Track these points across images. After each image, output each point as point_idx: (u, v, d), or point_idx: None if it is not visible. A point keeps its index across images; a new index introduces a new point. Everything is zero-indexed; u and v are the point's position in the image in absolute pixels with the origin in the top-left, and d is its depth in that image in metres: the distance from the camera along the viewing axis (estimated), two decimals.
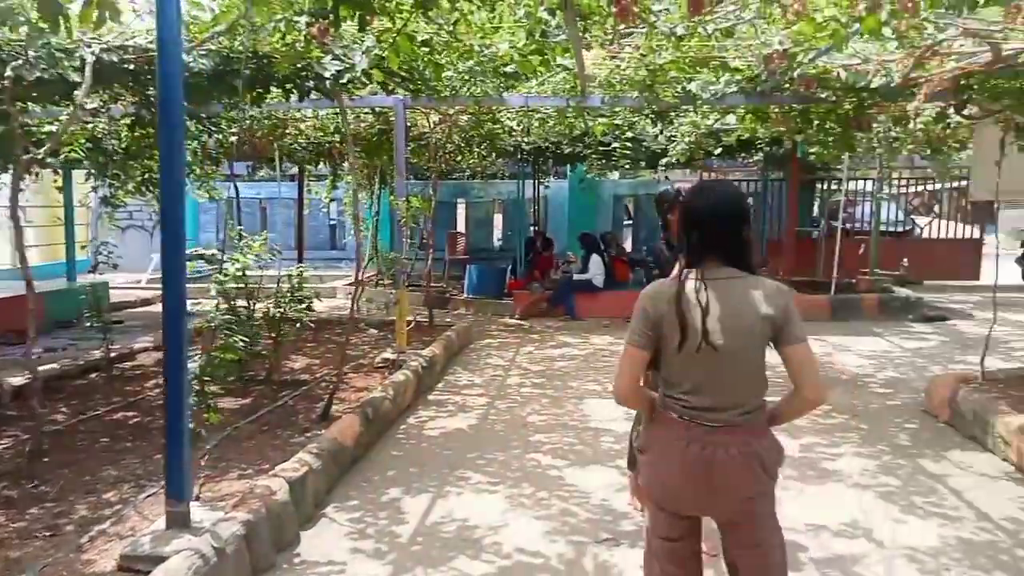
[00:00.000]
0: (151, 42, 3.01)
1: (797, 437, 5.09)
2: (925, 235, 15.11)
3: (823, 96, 5.11)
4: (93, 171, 6.72)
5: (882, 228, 12.92)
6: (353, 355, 6.96)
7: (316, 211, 12.38)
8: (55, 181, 8.77)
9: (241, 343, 4.03)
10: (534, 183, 13.95)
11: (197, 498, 3.46)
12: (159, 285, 2.95)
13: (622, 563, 3.32)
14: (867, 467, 4.52)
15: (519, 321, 10.08)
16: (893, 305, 10.05)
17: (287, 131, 8.00)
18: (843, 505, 3.96)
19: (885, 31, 2.89)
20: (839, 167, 11.19)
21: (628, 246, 14.82)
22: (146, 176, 6.90)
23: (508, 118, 7.60)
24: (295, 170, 11.40)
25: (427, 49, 3.91)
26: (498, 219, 17.11)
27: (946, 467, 4.52)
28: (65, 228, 10.25)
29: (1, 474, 3.93)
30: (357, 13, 2.65)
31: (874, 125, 6.39)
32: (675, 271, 2.24)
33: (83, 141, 6.16)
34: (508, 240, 15.47)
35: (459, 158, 9.95)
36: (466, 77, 4.83)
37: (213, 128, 6.28)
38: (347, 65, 3.46)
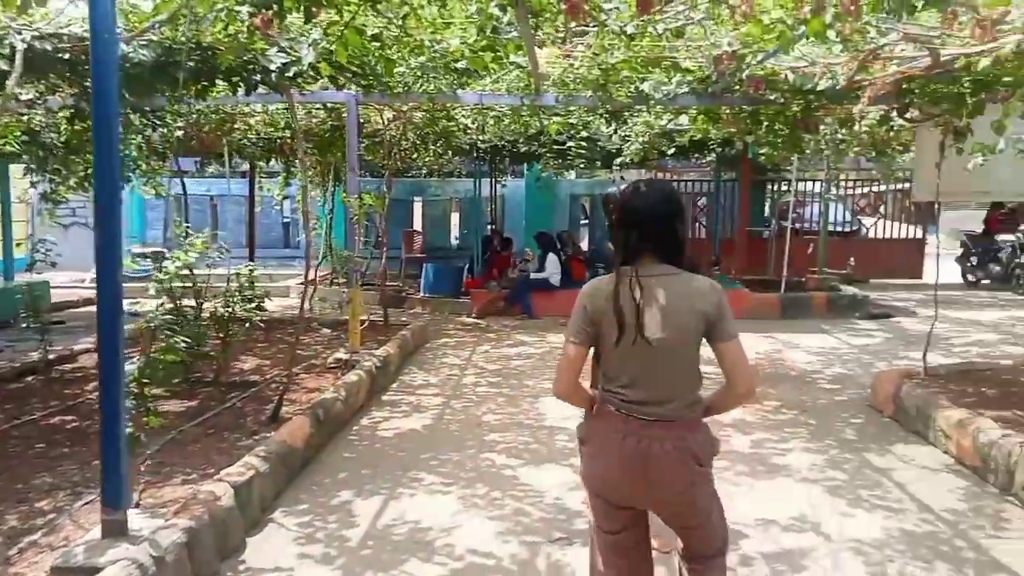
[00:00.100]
0: (87, 30, 2.88)
1: (748, 433, 5.17)
2: (871, 235, 15.52)
3: (772, 98, 5.20)
4: (32, 166, 6.45)
5: (830, 228, 13.24)
6: (305, 355, 6.84)
7: (268, 209, 12.13)
8: None
9: (184, 344, 3.90)
10: (491, 182, 13.91)
11: (137, 505, 3.34)
12: None
13: (575, 562, 3.31)
14: (815, 462, 4.60)
15: (476, 320, 10.03)
16: (840, 303, 10.30)
17: (235, 126, 7.80)
18: (792, 500, 4.02)
19: (830, 34, 2.94)
20: (789, 168, 11.42)
21: (584, 245, 14.88)
22: (88, 171, 6.64)
23: (463, 116, 7.54)
24: (246, 166, 11.15)
25: (378, 44, 3.83)
26: (455, 218, 17.02)
27: (891, 461, 4.63)
28: (2, 225, 9.84)
29: None
30: (303, 4, 2.58)
31: (821, 127, 6.53)
32: None
33: (19, 134, 5.90)
34: (465, 239, 15.40)
35: (415, 156, 9.85)
36: (418, 73, 4.77)
37: (158, 122, 6.08)
38: (293, 58, 3.37)
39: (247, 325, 5.84)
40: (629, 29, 3.45)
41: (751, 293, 10.37)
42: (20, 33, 3.21)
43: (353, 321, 6.57)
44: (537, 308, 10.10)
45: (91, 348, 6.95)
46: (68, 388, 5.75)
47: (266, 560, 3.37)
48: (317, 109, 7.37)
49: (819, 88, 4.49)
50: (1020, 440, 4.05)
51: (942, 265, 6.47)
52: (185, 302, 5.61)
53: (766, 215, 14.67)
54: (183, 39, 3.28)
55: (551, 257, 10.38)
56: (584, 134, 7.24)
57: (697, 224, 15.83)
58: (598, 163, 10.93)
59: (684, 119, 7.32)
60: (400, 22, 3.49)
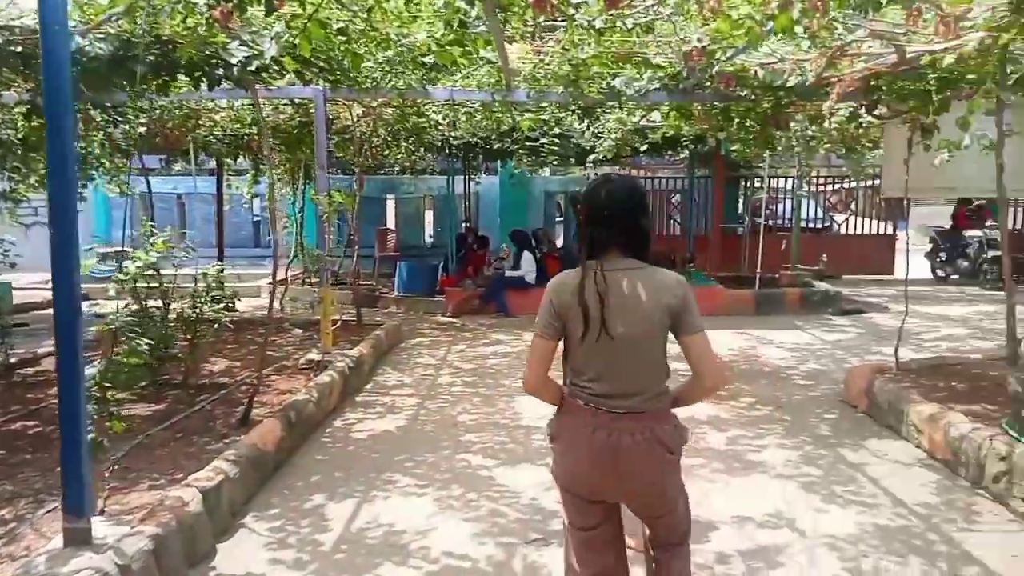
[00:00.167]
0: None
1: (723, 430, 5.17)
2: (843, 231, 15.71)
3: (742, 94, 5.21)
4: None
5: (802, 225, 13.38)
6: (277, 356, 6.73)
7: (238, 207, 11.92)
8: None
9: (147, 346, 3.79)
10: (465, 179, 13.83)
11: (101, 512, 3.24)
12: None
13: (552, 563, 3.27)
14: (790, 458, 4.62)
15: (451, 319, 9.96)
16: (813, 299, 10.40)
17: (201, 122, 7.63)
18: (767, 496, 4.02)
19: (797, 30, 2.94)
20: (761, 165, 11.50)
21: (560, 242, 14.88)
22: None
23: (434, 112, 7.47)
24: (214, 164, 10.94)
25: (344, 38, 3.75)
26: (429, 215, 16.91)
27: (864, 456, 4.66)
28: None
29: None
30: None
31: (792, 124, 6.57)
32: None
33: None
34: (440, 237, 15.30)
35: (386, 152, 9.73)
36: (386, 68, 4.70)
37: (119, 118, 5.91)
38: (255, 52, 3.28)
39: (215, 326, 5.72)
40: (598, 24, 3.42)
41: (725, 290, 10.44)
42: None
43: (325, 321, 6.47)
44: (513, 306, 10.06)
45: (54, 351, 6.77)
46: (31, 392, 5.59)
47: (236, 566, 3.29)
48: (284, 105, 7.23)
49: (789, 85, 4.51)
50: (990, 434, 4.09)
51: (912, 261, 6.54)
52: (152, 303, 5.50)
53: (740, 212, 14.78)
54: (141, 32, 3.18)
55: (526, 255, 10.35)
56: (557, 131, 7.21)
57: (671, 221, 15.91)
58: (572, 160, 10.90)
59: (656, 116, 7.32)
60: (365, 15, 3.42)
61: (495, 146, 9.51)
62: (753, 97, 5.19)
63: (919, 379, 5.62)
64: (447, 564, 3.32)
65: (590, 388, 2.15)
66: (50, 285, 2.59)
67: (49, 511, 3.34)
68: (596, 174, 11.55)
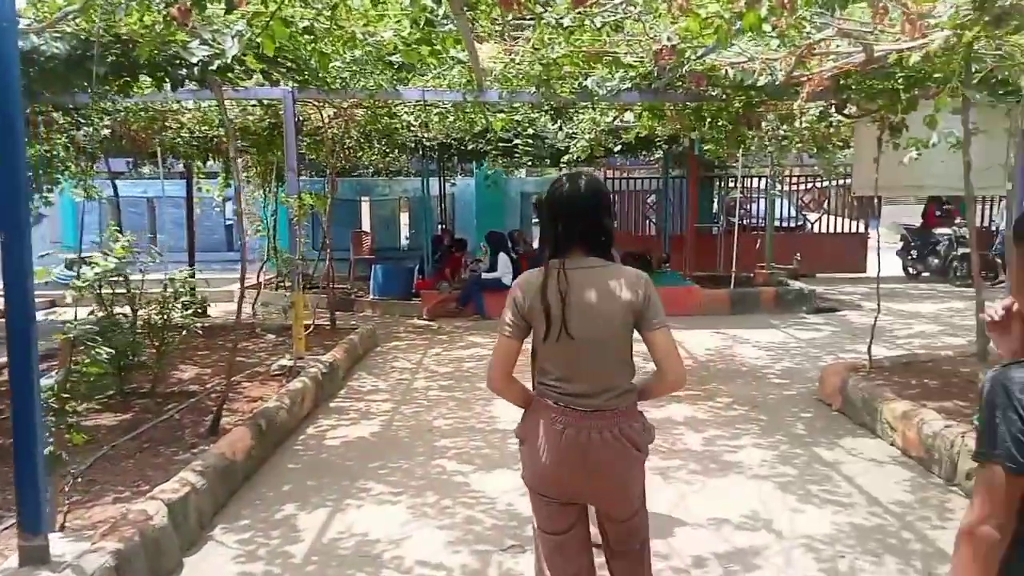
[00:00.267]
0: None
1: (700, 431, 5.16)
2: (816, 230, 15.86)
3: (714, 94, 5.21)
4: None
5: (776, 224, 13.48)
6: (248, 363, 6.61)
7: (209, 210, 11.72)
8: None
9: (113, 354, 3.67)
10: (440, 180, 13.75)
11: (62, 528, 3.13)
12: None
13: (528, 570, 3.21)
14: (766, 458, 4.61)
15: (428, 322, 9.88)
16: (788, 298, 10.46)
17: (167, 124, 7.48)
18: (744, 497, 4.01)
19: (765, 28, 2.92)
20: (735, 165, 11.57)
21: (536, 244, 14.85)
22: None
23: (406, 112, 7.39)
24: (183, 167, 10.76)
25: (310, 37, 3.68)
26: (404, 217, 16.79)
27: (839, 454, 4.67)
28: None
29: None
30: None
31: (763, 123, 6.59)
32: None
33: None
34: (416, 239, 15.19)
35: (359, 154, 9.62)
36: (355, 68, 4.62)
37: (82, 120, 5.76)
38: (217, 51, 3.19)
39: (184, 332, 5.60)
40: (566, 22, 3.39)
41: (701, 289, 10.47)
42: None
43: (297, 326, 6.37)
44: (490, 308, 10.00)
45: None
46: None
47: None
48: (253, 106, 7.12)
49: (759, 84, 4.51)
50: (962, 431, 4.12)
51: (884, 258, 6.59)
52: (118, 310, 5.37)
53: (714, 212, 14.86)
54: (98, 31, 3.07)
55: (502, 256, 10.29)
56: (531, 131, 7.18)
57: (647, 221, 15.95)
58: (547, 161, 10.87)
59: (629, 116, 7.31)
60: (329, 13, 3.35)
61: (469, 147, 9.45)
62: (724, 96, 5.20)
63: (892, 376, 5.66)
64: (421, 574, 3.26)
65: (559, 387, 2.15)
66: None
67: (6, 528, 3.22)
68: None
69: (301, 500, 4.08)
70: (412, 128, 7.88)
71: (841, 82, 5.00)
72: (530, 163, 9.75)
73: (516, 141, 7.22)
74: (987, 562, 1.31)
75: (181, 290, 5.50)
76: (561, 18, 3.37)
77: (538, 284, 2.14)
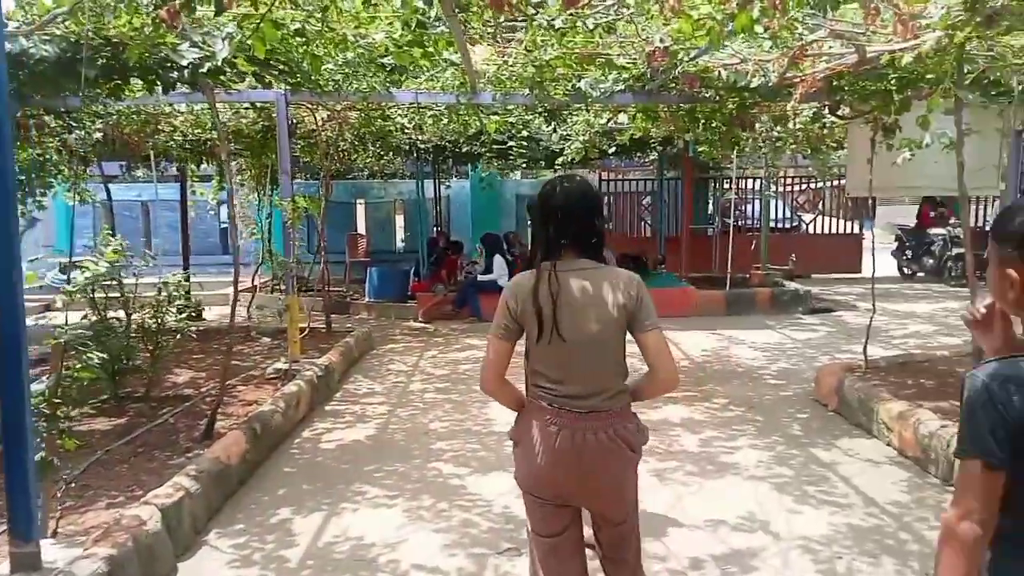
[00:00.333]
0: None
1: (697, 432, 5.16)
2: (811, 231, 15.89)
3: (707, 95, 5.21)
4: None
5: (771, 225, 13.48)
6: (244, 366, 6.59)
7: (204, 214, 11.69)
8: None
9: (107, 358, 3.65)
10: (435, 183, 13.73)
11: (54, 534, 3.11)
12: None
13: (524, 574, 3.20)
14: (762, 459, 4.61)
15: (424, 324, 9.87)
16: (784, 298, 10.47)
17: (160, 128, 7.45)
18: (740, 498, 4.00)
19: (757, 29, 2.92)
20: (730, 166, 11.58)
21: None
22: None
23: (400, 115, 7.37)
24: (177, 170, 10.71)
25: (302, 39, 3.66)
26: (400, 220, 16.77)
27: (836, 455, 4.67)
28: None
29: None
30: None
31: (757, 125, 6.59)
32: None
33: None
34: (411, 241, 15.17)
35: (354, 156, 9.60)
36: (347, 70, 4.61)
37: (74, 124, 5.73)
38: (207, 53, 3.17)
39: (178, 336, 5.58)
40: (558, 23, 3.38)
41: (697, 291, 10.47)
42: None
43: (292, 329, 6.35)
44: (486, 310, 9.97)
45: None
46: None
47: None
48: (246, 109, 7.10)
49: (752, 85, 4.51)
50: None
51: (879, 259, 6.59)
52: (112, 314, 5.35)
53: (710, 213, 14.87)
54: (87, 33, 3.05)
55: (498, 258, 10.28)
56: (525, 133, 7.17)
57: (642, 223, 15.96)
58: (542, 163, 10.86)
59: (623, 117, 7.31)
60: (320, 15, 3.33)
61: (464, 149, 9.44)
62: (718, 98, 5.20)
63: (888, 377, 5.66)
64: None
65: (552, 389, 2.15)
66: None
67: None
68: None
69: (296, 504, 4.06)
70: (406, 130, 7.87)
71: (834, 83, 5.00)
72: (524, 165, 9.74)
73: (510, 143, 7.21)
74: (970, 558, 1.32)
75: (175, 294, 5.47)
76: (553, 19, 3.36)
77: (530, 286, 2.14)
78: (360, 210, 15.99)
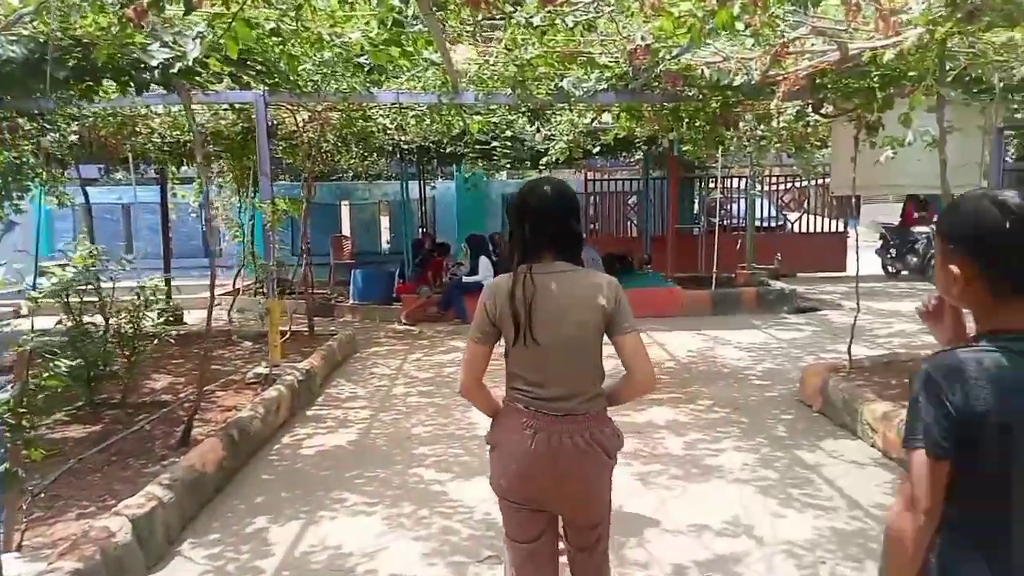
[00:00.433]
0: None
1: (681, 434, 5.12)
2: (796, 230, 15.92)
3: (690, 94, 5.18)
4: None
5: (757, 224, 13.48)
6: (224, 371, 6.49)
7: (186, 216, 11.54)
8: None
9: (75, 365, 3.56)
10: (420, 184, 13.65)
11: (19, 548, 3.02)
12: None
13: None
14: (747, 461, 4.57)
15: (409, 327, 9.79)
16: (769, 298, 10.47)
17: (138, 129, 7.33)
18: (725, 502, 3.96)
19: (738, 26, 2.88)
20: (715, 165, 11.58)
21: None
22: None
23: (382, 115, 7.30)
24: (157, 172, 10.57)
25: (278, 39, 3.59)
26: (385, 221, 16.67)
27: (820, 456, 4.63)
28: None
29: None
30: None
31: (741, 123, 6.56)
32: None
33: None
34: (397, 243, 15.08)
35: (337, 158, 9.50)
36: (325, 70, 4.54)
37: (48, 126, 5.62)
38: (178, 53, 3.09)
39: (156, 341, 5.48)
40: (536, 21, 3.33)
41: (683, 290, 10.45)
42: None
43: (272, 333, 6.25)
44: (471, 312, 9.87)
45: None
46: None
47: None
48: (225, 110, 7.00)
49: (735, 84, 4.48)
50: None
51: (863, 257, 6.58)
52: (88, 319, 5.24)
53: (695, 212, 14.87)
54: (54, 33, 2.96)
55: (483, 260, 10.21)
56: (509, 133, 7.11)
57: (628, 222, 15.94)
58: (527, 163, 10.81)
59: (607, 117, 7.27)
60: (294, 14, 3.26)
61: (448, 150, 9.37)
62: (701, 97, 5.16)
63: (872, 376, 5.64)
64: None
65: (529, 392, 2.15)
66: None
67: None
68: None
69: (274, 512, 3.98)
70: (388, 131, 7.79)
71: (817, 81, 4.97)
72: (509, 165, 9.69)
73: (494, 143, 7.16)
74: (914, 547, 1.34)
75: (152, 298, 5.37)
76: (531, 17, 3.31)
77: (507, 289, 2.13)
78: (345, 212, 15.88)
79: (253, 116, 6.00)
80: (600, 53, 4.39)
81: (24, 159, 6.77)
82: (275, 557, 3.48)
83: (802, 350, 7.78)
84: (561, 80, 4.98)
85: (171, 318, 7.93)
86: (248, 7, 2.85)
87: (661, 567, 3.27)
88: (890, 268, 13.90)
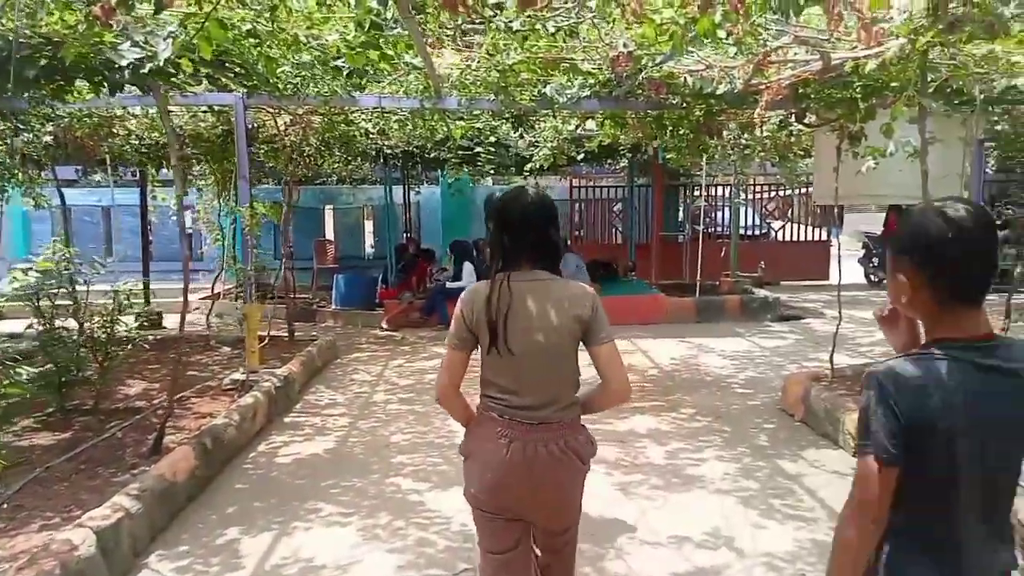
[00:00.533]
0: None
1: (663, 443, 5.07)
2: (780, 238, 15.98)
3: (674, 102, 5.16)
4: None
5: (741, 232, 13.51)
6: (201, 377, 6.38)
7: (166, 219, 11.42)
8: None
9: (30, 374, 3.46)
10: (404, 188, 13.58)
11: None
12: None
13: None
14: (728, 471, 4.53)
15: (391, 332, 9.70)
16: (753, 306, 10.47)
17: (115, 131, 7.21)
18: (706, 513, 3.92)
19: (720, 34, 2.86)
20: (700, 173, 11.59)
21: None
22: None
23: (364, 120, 7.23)
24: (137, 174, 10.43)
25: (255, 40, 3.52)
26: (369, 226, 16.57)
27: (802, 466, 4.61)
28: None
29: None
30: None
31: (724, 132, 6.55)
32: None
33: None
34: (381, 247, 14.99)
35: (320, 162, 9.42)
36: (304, 73, 4.47)
37: (21, 126, 5.51)
38: (149, 53, 3.01)
39: (130, 346, 5.37)
40: (516, 26, 3.29)
41: (667, 298, 10.44)
42: None
43: (250, 338, 6.16)
44: None
45: None
46: None
47: None
48: (204, 112, 6.90)
49: (718, 92, 4.46)
50: None
51: (846, 266, 6.58)
52: (62, 323, 5.13)
53: (680, 220, 14.89)
54: (19, 30, 2.88)
55: (467, 265, 10.15)
56: (493, 139, 7.07)
57: (613, 229, 15.94)
58: (512, 169, 10.77)
59: (592, 124, 7.24)
60: (268, 15, 3.19)
61: (432, 155, 9.31)
62: (684, 105, 5.14)
63: (854, 386, 5.62)
64: None
65: (504, 400, 2.14)
66: None
67: None
68: (537, 183, 11.46)
69: (246, 523, 3.89)
70: (371, 135, 7.72)
71: (800, 91, 4.97)
72: (493, 171, 9.64)
73: (478, 149, 7.11)
74: (859, 551, 1.38)
75: (125, 302, 5.27)
76: (511, 21, 3.27)
77: (485, 296, 2.13)
78: (329, 216, 15.78)
79: (233, 119, 5.91)
80: (583, 60, 4.36)
81: (1, 160, 6.66)
82: (245, 570, 3.39)
83: (785, 358, 7.77)
84: (544, 86, 4.94)
85: (146, 323, 7.81)
86: (222, 7, 2.78)
87: None
88: (872, 277, 13.96)
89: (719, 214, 15.71)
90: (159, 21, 3.04)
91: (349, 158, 9.70)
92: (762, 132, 6.40)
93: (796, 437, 5.18)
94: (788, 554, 3.43)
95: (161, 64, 3.05)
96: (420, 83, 5.27)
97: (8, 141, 5.82)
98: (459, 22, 3.64)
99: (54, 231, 11.92)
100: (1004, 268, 6.95)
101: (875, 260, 13.88)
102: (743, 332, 9.31)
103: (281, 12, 3.26)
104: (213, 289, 10.01)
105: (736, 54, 4.20)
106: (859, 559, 1.38)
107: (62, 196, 7.62)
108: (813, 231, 15.40)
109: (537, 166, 7.32)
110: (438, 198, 15.44)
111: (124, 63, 3.03)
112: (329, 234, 15.42)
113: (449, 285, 10.23)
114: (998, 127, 6.71)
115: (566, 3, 3.42)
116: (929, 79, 4.18)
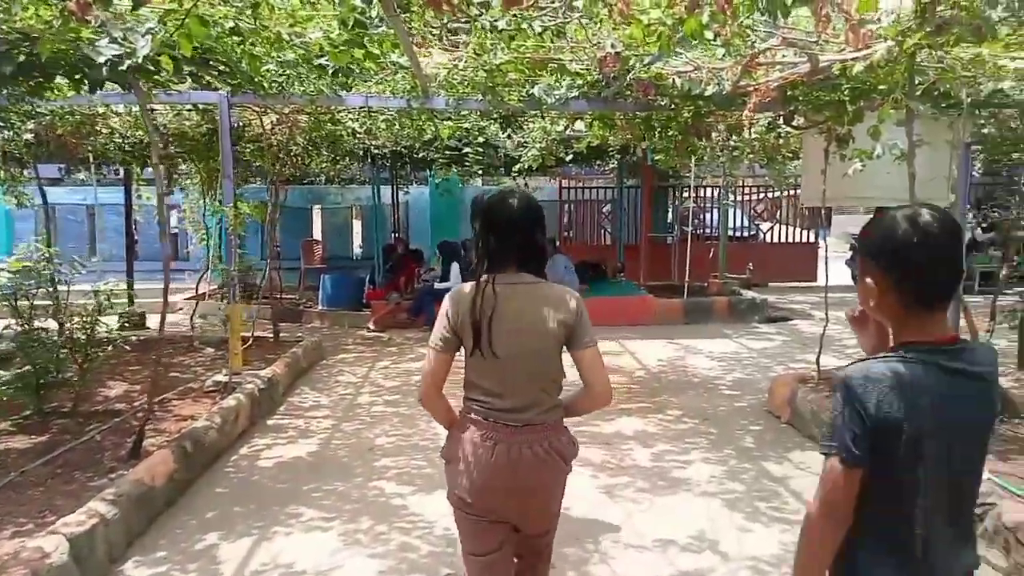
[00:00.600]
0: None
1: (649, 445, 5.05)
2: (768, 240, 16.02)
3: (662, 103, 5.14)
4: None
5: (729, 233, 13.53)
6: (183, 378, 6.30)
7: (152, 218, 11.30)
8: None
9: (13, 374, 3.39)
10: (392, 188, 13.52)
11: None
12: None
13: None
14: (715, 473, 4.51)
15: (378, 333, 9.64)
16: (741, 307, 10.49)
17: (98, 129, 7.11)
18: (692, 516, 3.89)
19: (708, 35, 2.83)
20: (688, 174, 11.59)
21: None
22: None
23: (352, 119, 7.17)
24: (121, 172, 10.31)
25: (239, 38, 3.46)
26: (357, 226, 16.48)
27: (788, 469, 4.59)
28: None
29: None
30: None
31: (713, 134, 6.54)
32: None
33: None
34: (369, 248, 14.91)
35: (308, 161, 9.34)
36: (289, 72, 4.41)
37: (1, 123, 5.41)
38: (127, 49, 2.95)
39: (111, 347, 5.29)
40: (501, 25, 3.25)
41: (656, 299, 10.43)
42: None
43: (233, 340, 6.08)
44: None
45: None
46: None
47: None
48: (189, 111, 6.82)
49: (706, 94, 4.44)
50: None
51: (834, 268, 6.57)
52: (39, 323, 5.05)
53: (669, 221, 14.91)
54: (0, 27, 2.81)
55: (455, 266, 10.10)
56: (481, 140, 7.03)
57: (602, 231, 15.94)
58: (501, 170, 10.72)
59: (580, 125, 7.22)
60: (250, 12, 3.14)
61: (420, 155, 9.26)
62: (673, 106, 5.12)
63: None
64: None
65: (487, 403, 2.14)
66: None
67: None
68: (526, 184, 11.42)
69: (226, 528, 3.83)
70: (358, 135, 7.65)
71: (788, 93, 4.95)
72: (481, 172, 9.61)
73: (466, 149, 7.07)
74: (823, 551, 1.40)
75: (106, 302, 5.19)
76: (496, 20, 3.23)
77: (469, 298, 2.12)
78: (316, 216, 15.68)
79: (217, 117, 5.83)
80: (571, 60, 4.33)
81: None
82: None
83: (772, 360, 7.77)
84: (532, 87, 4.91)
85: (127, 323, 7.72)
86: (202, 4, 2.73)
87: None
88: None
89: (708, 216, 15.74)
90: (138, 17, 2.98)
91: (337, 158, 9.63)
92: (750, 134, 6.39)
93: (782, 439, 5.17)
94: (773, 557, 3.41)
95: (140, 61, 2.99)
96: (407, 83, 5.22)
97: None
98: (444, 21, 3.60)
99: (37, 230, 11.80)
100: (989, 271, 6.98)
101: None
102: (731, 333, 9.31)
103: (263, 9, 3.20)
104: (198, 289, 9.92)
105: (724, 56, 4.18)
106: (824, 558, 1.40)
107: (44, 195, 7.53)
108: (801, 233, 15.44)
109: (526, 167, 7.28)
110: (426, 198, 15.38)
111: (102, 60, 2.96)
112: (317, 234, 15.34)
113: (437, 286, 10.17)
114: (985, 130, 6.73)
115: (553, 3, 3.39)
116: (917, 82, 4.17)
